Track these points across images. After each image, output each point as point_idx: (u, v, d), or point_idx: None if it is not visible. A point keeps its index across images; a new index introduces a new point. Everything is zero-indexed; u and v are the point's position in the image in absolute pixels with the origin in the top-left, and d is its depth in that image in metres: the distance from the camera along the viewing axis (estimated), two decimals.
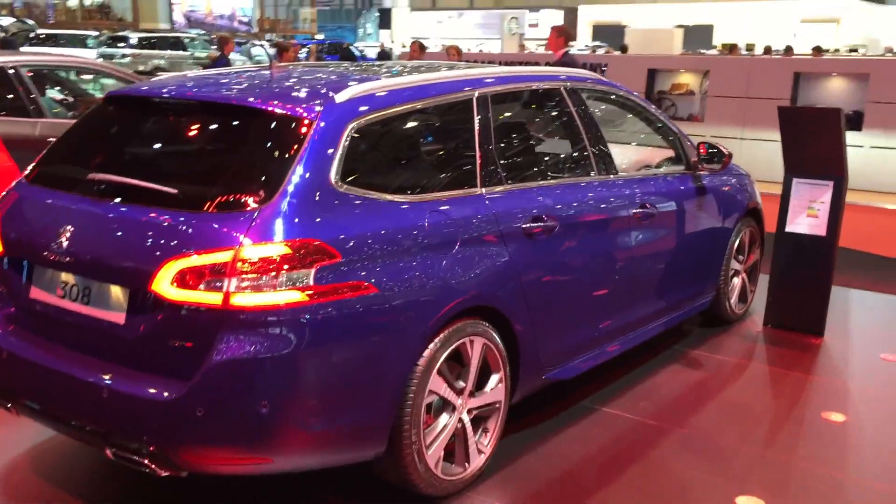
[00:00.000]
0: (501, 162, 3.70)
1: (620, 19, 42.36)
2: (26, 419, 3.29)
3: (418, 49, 12.75)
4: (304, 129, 3.01)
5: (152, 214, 2.92)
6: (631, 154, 5.16)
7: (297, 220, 2.84)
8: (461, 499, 3.40)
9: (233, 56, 12.95)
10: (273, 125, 3.07)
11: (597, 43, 38.13)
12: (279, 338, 2.75)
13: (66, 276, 3.07)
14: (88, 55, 25.44)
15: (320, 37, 47.74)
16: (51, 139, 6.37)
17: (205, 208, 2.86)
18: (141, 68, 26.09)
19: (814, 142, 5.29)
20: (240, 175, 3.01)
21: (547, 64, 9.93)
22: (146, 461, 2.85)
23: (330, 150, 3.02)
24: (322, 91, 3.23)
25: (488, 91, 3.76)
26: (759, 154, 10.76)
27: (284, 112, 3.07)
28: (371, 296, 2.93)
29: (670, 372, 4.82)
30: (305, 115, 3.05)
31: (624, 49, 22.14)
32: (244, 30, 43.25)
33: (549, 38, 9.34)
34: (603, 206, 4.17)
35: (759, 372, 5.04)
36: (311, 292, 2.79)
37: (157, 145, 3.52)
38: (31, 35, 29.78)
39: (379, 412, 3.03)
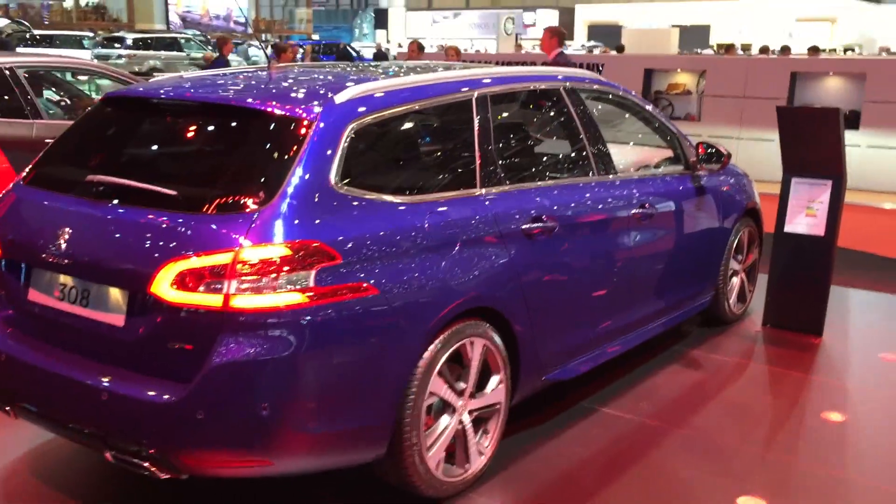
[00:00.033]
0: (501, 162, 3.69)
1: (616, 19, 42.40)
2: (24, 422, 3.27)
3: (417, 49, 12.73)
4: (303, 130, 3.00)
5: (151, 216, 2.90)
6: (630, 154, 5.15)
7: (296, 221, 2.83)
8: (462, 500, 3.39)
9: (230, 57, 12.88)
10: (272, 126, 3.06)
11: (593, 43, 38.16)
12: (279, 340, 2.74)
13: (65, 279, 3.06)
14: (84, 56, 25.42)
15: (316, 37, 47.73)
16: (47, 140, 6.41)
17: (204, 210, 2.85)
18: (137, 69, 26.03)
19: (813, 142, 5.29)
20: (239, 176, 3.00)
21: (542, 64, 9.95)
22: (146, 464, 2.84)
23: (329, 151, 3.01)
24: (321, 92, 3.22)
25: (487, 91, 3.76)
26: (755, 154, 10.76)
27: (284, 113, 3.06)
28: (371, 297, 2.92)
29: (670, 372, 4.81)
30: (305, 116, 3.04)
31: (620, 49, 22.16)
32: (240, 30, 43.21)
33: (543, 39, 9.45)
34: (602, 206, 4.16)
35: (759, 372, 5.04)
36: (311, 294, 2.77)
37: (156, 147, 3.51)
38: (27, 36, 29.70)
39: (380, 414, 3.02)
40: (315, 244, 2.82)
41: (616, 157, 4.46)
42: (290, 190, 2.86)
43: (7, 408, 3.21)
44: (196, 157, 3.30)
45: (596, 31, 43.67)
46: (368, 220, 3.03)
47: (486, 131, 3.65)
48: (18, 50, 23.20)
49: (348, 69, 3.91)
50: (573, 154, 4.28)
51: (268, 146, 3.06)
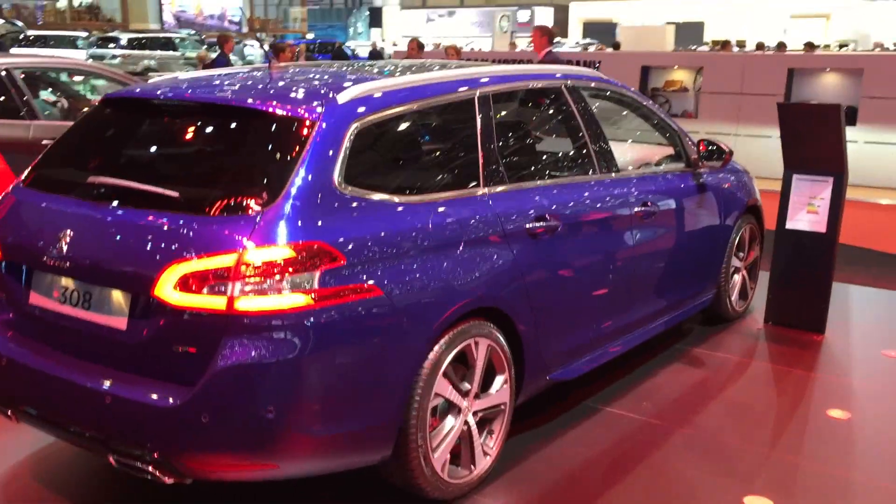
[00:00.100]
0: (504, 161, 3.67)
1: (611, 16, 42.37)
2: (26, 426, 3.25)
3: (416, 48, 12.69)
4: (305, 131, 2.97)
5: (153, 218, 2.88)
6: (631, 152, 5.13)
7: (300, 222, 2.80)
8: (467, 502, 3.37)
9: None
10: (274, 127, 3.04)
11: (588, 40, 38.14)
12: (284, 342, 2.71)
13: (66, 281, 3.03)
14: (79, 56, 25.36)
15: (310, 36, 47.63)
16: (44, 142, 6.38)
17: (207, 211, 2.82)
18: (131, 69, 25.97)
19: (814, 138, 5.28)
20: (241, 177, 2.98)
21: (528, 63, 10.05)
22: (150, 468, 2.82)
23: (332, 152, 2.99)
24: (323, 92, 3.19)
25: (490, 90, 3.73)
26: (753, 150, 10.74)
27: (286, 113, 3.03)
28: (376, 298, 2.90)
29: (672, 371, 4.80)
30: (307, 116, 3.01)
31: (617, 46, 22.12)
32: (234, 29, 43.07)
33: (533, 38, 9.85)
34: (605, 205, 4.15)
35: (761, 370, 5.03)
36: (315, 296, 2.75)
37: (157, 148, 3.48)
38: (21, 37, 29.62)
39: (385, 416, 3.00)
40: (319, 245, 2.80)
41: (618, 154, 4.44)
42: (293, 191, 2.83)
43: (8, 411, 3.18)
44: (197, 158, 3.28)
45: (591, 29, 43.65)
46: (372, 221, 3.00)
47: (489, 130, 3.63)
48: (13, 51, 23.15)
49: (349, 69, 3.89)
50: (575, 152, 4.26)
51: (270, 147, 3.04)
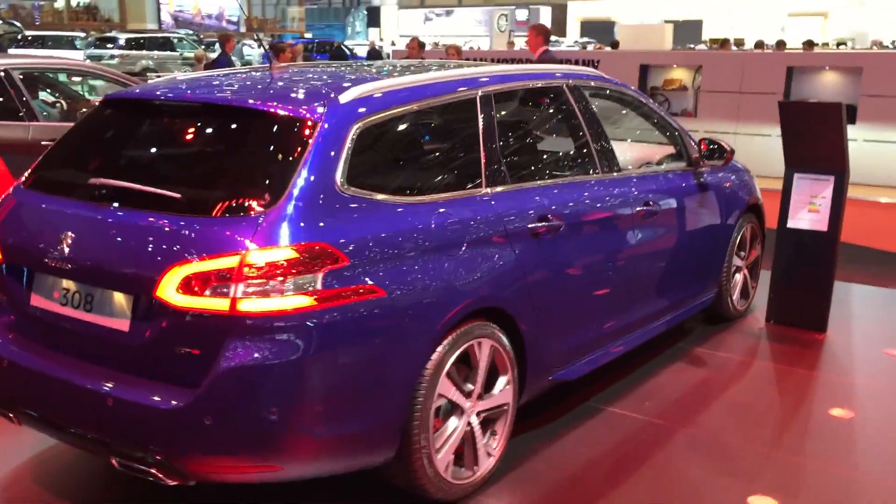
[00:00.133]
0: (506, 161, 3.66)
1: (609, 15, 42.39)
2: (27, 428, 3.24)
3: (417, 47, 12.68)
4: (307, 132, 2.96)
5: (155, 219, 2.87)
6: (633, 151, 5.13)
7: (302, 223, 2.79)
8: (471, 503, 3.36)
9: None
10: (276, 127, 3.03)
11: (585, 39, 38.15)
12: (287, 343, 2.70)
13: (68, 283, 3.02)
14: (77, 57, 25.33)
15: (309, 36, 47.59)
16: (44, 143, 6.36)
17: (209, 213, 2.81)
18: (129, 69, 25.93)
19: (815, 137, 5.27)
20: (243, 178, 2.97)
21: (527, 62, 10.02)
22: (152, 470, 2.81)
23: (334, 152, 2.98)
24: (325, 92, 3.18)
25: (491, 90, 3.72)
26: (752, 148, 10.72)
27: (287, 114, 3.02)
28: (378, 299, 2.89)
29: (674, 370, 4.79)
30: (309, 116, 3.00)
31: (615, 45, 22.10)
32: (233, 29, 43.02)
33: (528, 37, 9.72)
34: (607, 204, 4.14)
35: (763, 369, 5.02)
36: (318, 297, 2.74)
37: (158, 149, 3.46)
38: (19, 37, 29.57)
39: (388, 417, 2.99)
40: (321, 247, 2.79)
41: (619, 154, 4.44)
42: (295, 192, 2.82)
43: (10, 414, 3.17)
44: (199, 159, 3.26)
45: (589, 28, 43.70)
46: (374, 222, 2.99)
47: (491, 130, 3.62)
48: (10, 51, 23.12)
49: (350, 69, 3.88)
50: (577, 152, 4.25)
51: (272, 148, 3.03)
